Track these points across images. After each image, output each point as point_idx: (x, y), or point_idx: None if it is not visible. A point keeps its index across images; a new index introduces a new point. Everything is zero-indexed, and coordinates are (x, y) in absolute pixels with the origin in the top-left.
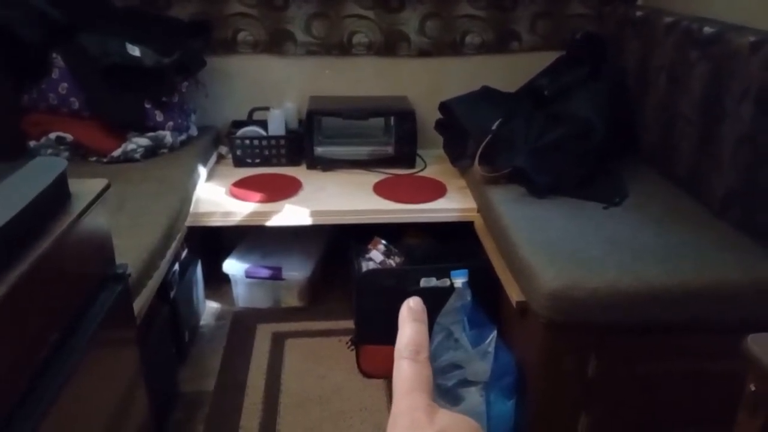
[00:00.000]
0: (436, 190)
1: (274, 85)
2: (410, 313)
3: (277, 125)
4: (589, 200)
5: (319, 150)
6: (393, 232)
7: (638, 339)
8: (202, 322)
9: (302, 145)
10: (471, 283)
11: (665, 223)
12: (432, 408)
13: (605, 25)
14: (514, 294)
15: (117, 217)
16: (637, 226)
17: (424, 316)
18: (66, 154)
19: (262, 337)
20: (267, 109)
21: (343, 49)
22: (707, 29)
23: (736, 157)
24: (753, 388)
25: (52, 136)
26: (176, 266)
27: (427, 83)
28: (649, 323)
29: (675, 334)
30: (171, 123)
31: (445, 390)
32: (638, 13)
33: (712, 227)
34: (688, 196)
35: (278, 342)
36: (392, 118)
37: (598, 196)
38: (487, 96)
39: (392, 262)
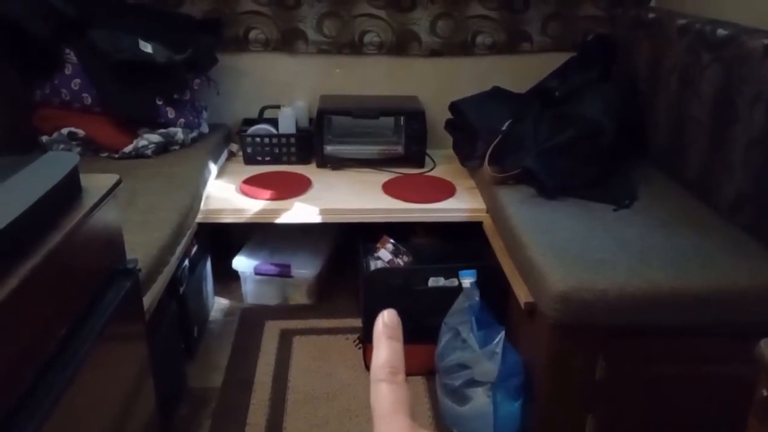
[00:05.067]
0: (446, 190)
1: (285, 84)
2: (386, 330)
3: (287, 123)
4: (599, 202)
5: (329, 149)
6: (401, 232)
7: (646, 341)
8: (210, 318)
9: (312, 144)
10: (479, 284)
11: (674, 226)
12: (414, 429)
13: (617, 26)
14: (522, 295)
15: (128, 213)
16: (646, 229)
17: (400, 333)
18: (78, 149)
19: (270, 334)
20: (278, 107)
21: (354, 48)
22: (720, 32)
23: (747, 161)
24: (765, 394)
25: (64, 131)
26: (186, 262)
27: (437, 83)
28: (657, 326)
29: (683, 337)
30: (182, 120)
31: (452, 390)
32: (650, 15)
33: (721, 231)
34: (697, 199)
35: (286, 339)
36: (402, 118)
37: (608, 198)
38: (497, 96)
39: (400, 262)
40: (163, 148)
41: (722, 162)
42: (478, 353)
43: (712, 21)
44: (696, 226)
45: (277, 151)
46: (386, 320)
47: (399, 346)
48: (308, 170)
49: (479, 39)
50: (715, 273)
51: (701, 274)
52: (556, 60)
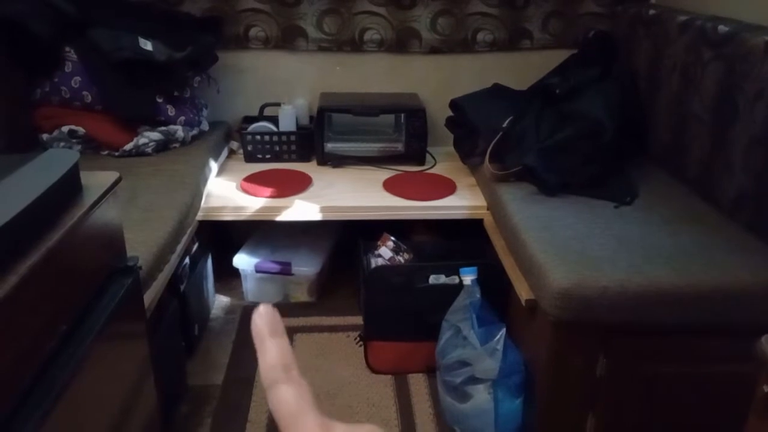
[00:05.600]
0: (446, 188)
1: (286, 81)
2: (266, 327)
3: (287, 121)
4: (599, 199)
5: (329, 146)
6: (402, 229)
7: (647, 339)
8: (211, 316)
9: (312, 141)
10: (480, 281)
11: (675, 224)
12: (326, 425)
13: (617, 24)
14: (523, 292)
15: (128, 211)
16: (647, 226)
17: (281, 326)
18: (78, 147)
19: None
20: (278, 105)
21: (354, 45)
22: (721, 28)
23: (748, 159)
24: (766, 390)
25: (65, 129)
26: (187, 260)
27: (438, 80)
28: (658, 324)
29: (684, 335)
30: (182, 118)
31: (453, 387)
32: (651, 12)
33: (722, 229)
34: (698, 197)
35: (287, 336)
36: (403, 115)
37: (609, 196)
38: (497, 94)
39: (401, 259)
40: (164, 146)
41: (723, 159)
42: (479, 350)
43: (713, 17)
44: (697, 224)
45: (277, 148)
46: (265, 317)
47: (284, 341)
48: (308, 168)
49: (480, 36)
50: (717, 271)
51: (702, 272)
52: (556, 57)
